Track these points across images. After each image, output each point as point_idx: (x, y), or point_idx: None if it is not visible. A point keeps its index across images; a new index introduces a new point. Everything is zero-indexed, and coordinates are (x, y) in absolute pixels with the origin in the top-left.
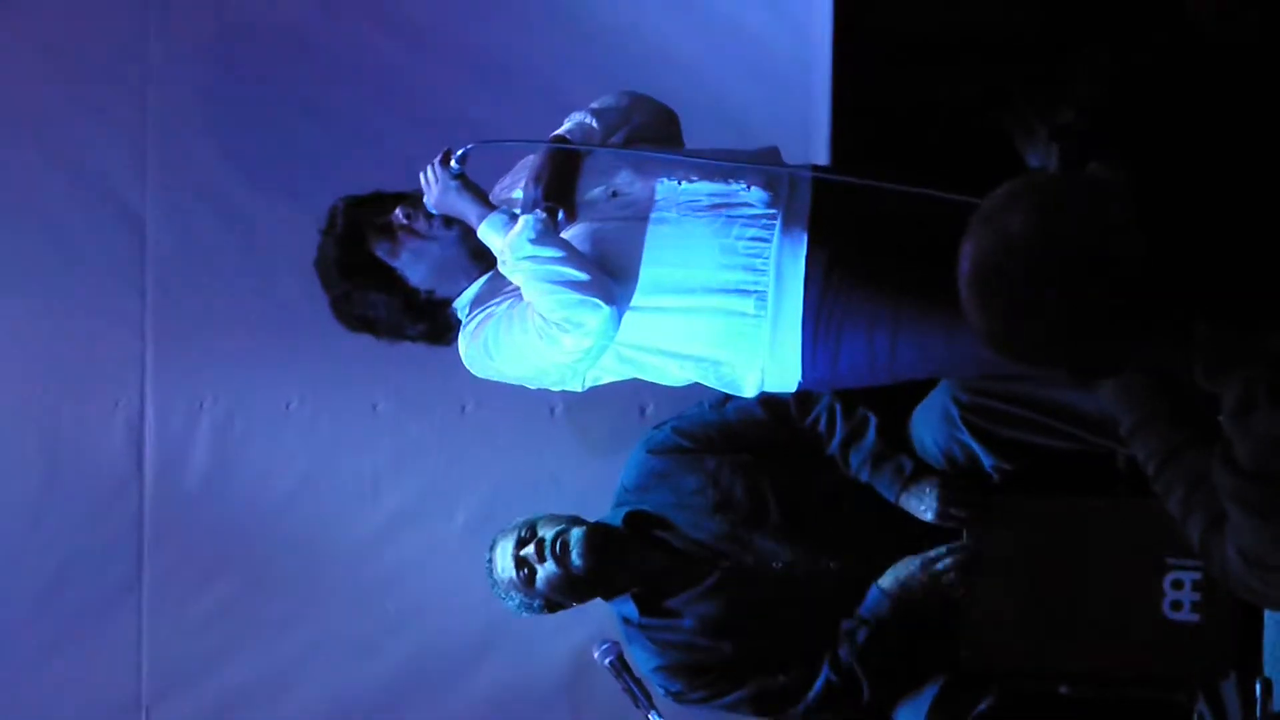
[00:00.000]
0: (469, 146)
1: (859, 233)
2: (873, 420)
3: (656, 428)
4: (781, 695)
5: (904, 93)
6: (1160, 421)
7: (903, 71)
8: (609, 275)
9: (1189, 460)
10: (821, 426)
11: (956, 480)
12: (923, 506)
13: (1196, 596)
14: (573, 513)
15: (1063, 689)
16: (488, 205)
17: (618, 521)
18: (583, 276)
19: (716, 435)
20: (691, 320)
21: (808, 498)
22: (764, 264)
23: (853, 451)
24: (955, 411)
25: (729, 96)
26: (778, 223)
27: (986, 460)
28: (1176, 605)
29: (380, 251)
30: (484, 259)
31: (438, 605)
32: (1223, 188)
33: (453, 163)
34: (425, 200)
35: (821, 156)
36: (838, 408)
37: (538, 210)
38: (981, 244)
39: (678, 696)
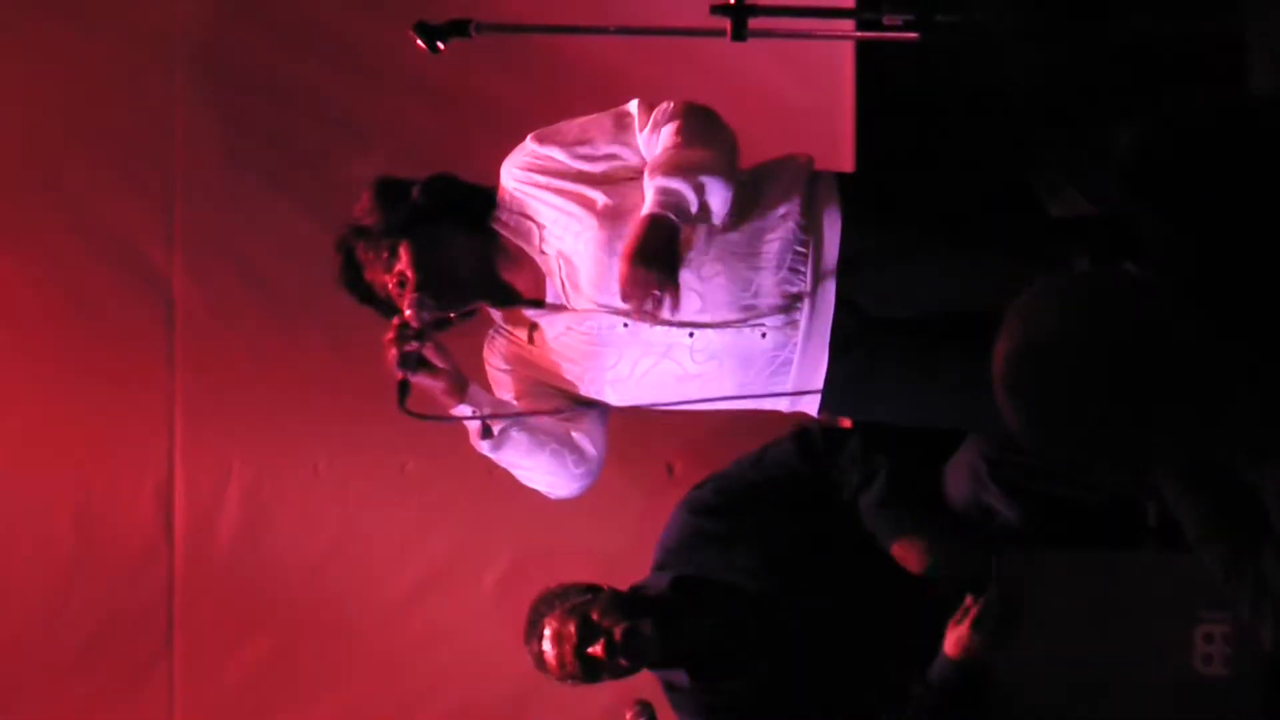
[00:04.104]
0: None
1: (879, 341)
2: (885, 470)
3: (697, 487)
4: None
5: (928, 152)
6: (1218, 529)
7: (927, 131)
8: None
9: (1253, 565)
10: (839, 474)
11: (936, 547)
12: (903, 562)
13: (1228, 650)
14: (606, 577)
15: None
16: (455, 392)
17: (664, 586)
18: (550, 483)
19: (759, 493)
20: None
21: (851, 554)
22: (783, 381)
23: (861, 498)
24: (983, 468)
25: (753, 155)
26: (798, 343)
27: (1013, 516)
28: (1207, 659)
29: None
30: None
31: (469, 667)
32: (1264, 269)
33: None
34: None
35: None
36: (853, 454)
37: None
38: (1014, 344)
39: None
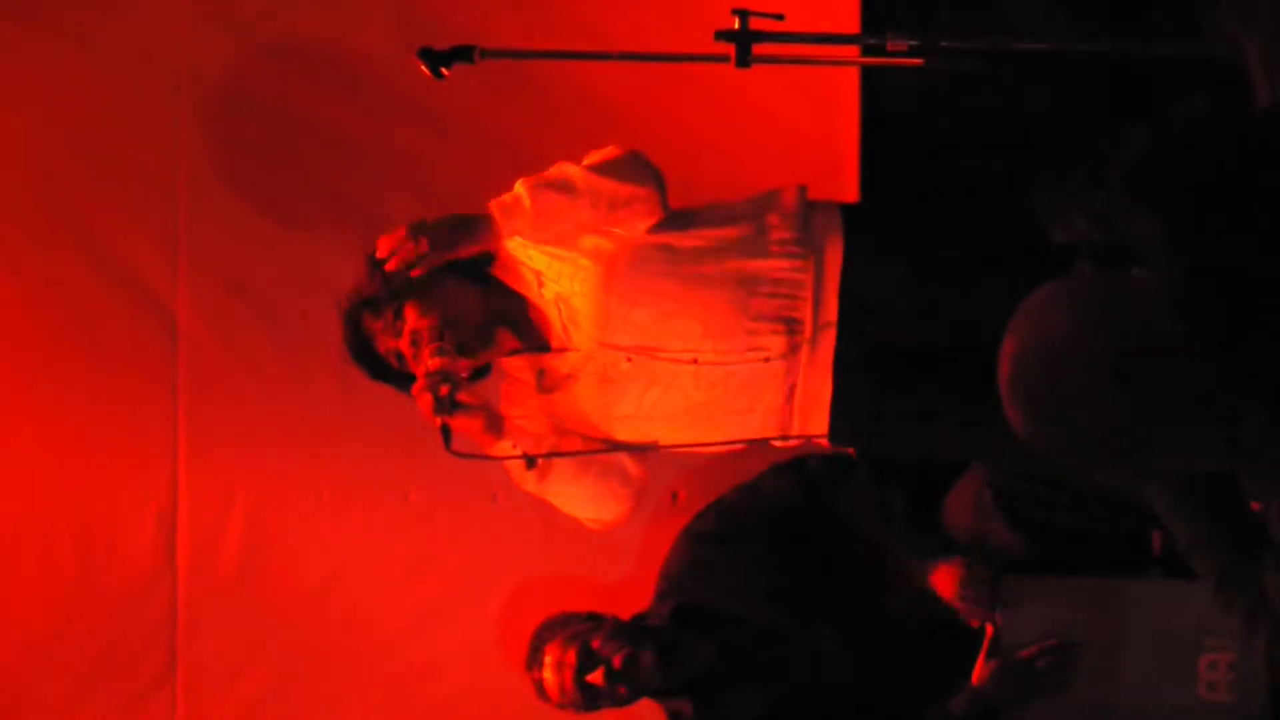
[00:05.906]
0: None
1: (883, 368)
2: (901, 500)
3: (699, 516)
4: None
5: (932, 177)
6: (1214, 538)
7: (931, 156)
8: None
9: (1247, 576)
10: (852, 504)
11: (976, 566)
12: (939, 587)
13: (1232, 676)
14: (610, 605)
15: None
16: (493, 428)
17: (666, 615)
18: (596, 509)
19: (761, 522)
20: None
21: (852, 583)
22: (790, 407)
23: (881, 531)
24: (988, 497)
25: (756, 181)
26: (802, 370)
27: (1019, 545)
28: (1212, 686)
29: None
30: (496, 320)
31: (473, 696)
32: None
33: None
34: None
35: None
36: (867, 484)
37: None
38: (1021, 345)
39: None
